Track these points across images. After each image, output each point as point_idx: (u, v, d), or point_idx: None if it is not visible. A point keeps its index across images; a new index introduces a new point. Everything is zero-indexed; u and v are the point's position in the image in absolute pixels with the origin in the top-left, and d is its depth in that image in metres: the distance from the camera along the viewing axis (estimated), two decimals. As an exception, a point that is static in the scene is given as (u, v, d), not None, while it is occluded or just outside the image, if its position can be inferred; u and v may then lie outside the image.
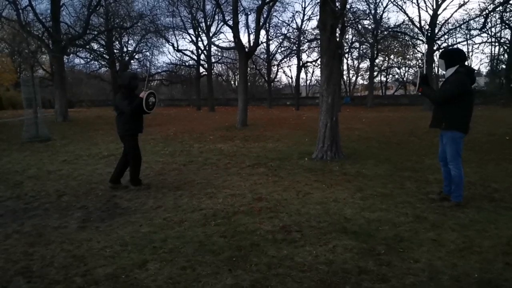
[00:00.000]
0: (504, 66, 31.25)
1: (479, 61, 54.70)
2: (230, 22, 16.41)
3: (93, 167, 6.97)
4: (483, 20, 21.44)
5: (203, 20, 31.36)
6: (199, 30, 32.92)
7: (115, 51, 32.77)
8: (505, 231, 3.43)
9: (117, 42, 33.24)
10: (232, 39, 17.29)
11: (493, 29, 28.11)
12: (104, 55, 31.14)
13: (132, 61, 34.74)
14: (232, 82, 49.85)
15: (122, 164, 5.37)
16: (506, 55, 29.49)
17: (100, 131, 13.24)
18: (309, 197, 4.65)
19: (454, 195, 4.22)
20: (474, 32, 27.92)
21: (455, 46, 28.45)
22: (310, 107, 32.88)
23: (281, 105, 37.54)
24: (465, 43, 31.61)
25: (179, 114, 23.35)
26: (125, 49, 34.48)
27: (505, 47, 29.44)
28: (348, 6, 23.68)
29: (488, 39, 29.75)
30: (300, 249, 3.18)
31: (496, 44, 30.60)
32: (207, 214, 4.13)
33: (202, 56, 34.47)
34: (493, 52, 33.76)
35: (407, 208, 4.13)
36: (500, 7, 21.82)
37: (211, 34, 32.17)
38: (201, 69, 35.33)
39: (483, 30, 23.95)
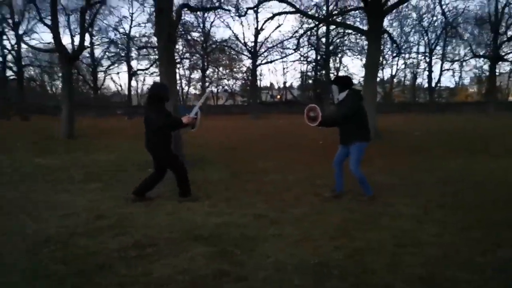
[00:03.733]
0: (311, 81, 37.04)
1: (292, 76, 63.35)
2: (48, 22, 14.59)
3: None
4: (296, 41, 24.92)
5: (9, 16, 26.88)
6: (4, 26, 28.08)
7: None
8: (331, 220, 4.06)
9: None
10: (49, 40, 15.38)
11: (302, 50, 32.99)
12: None
13: None
14: (49, 88, 44.25)
15: (152, 179, 4.91)
16: (313, 72, 35.05)
17: None
18: (157, 209, 4.51)
19: (366, 192, 4.82)
20: (288, 51, 32.15)
21: (276, 62, 32.13)
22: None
23: (111, 114, 35.20)
24: (281, 60, 36.14)
25: (-20, 125, 19.31)
26: None
27: (312, 65, 35.00)
28: (178, 17, 24.05)
29: (299, 58, 34.78)
30: (155, 263, 3.05)
31: (305, 62, 36.04)
32: (36, 241, 3.54)
33: (10, 57, 29.43)
34: (302, 69, 39.64)
35: (250, 209, 4.45)
36: (308, 32, 25.80)
37: (21, 32, 27.82)
38: (9, 72, 30.13)
39: (296, 50, 27.80)
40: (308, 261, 3.06)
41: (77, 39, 18.89)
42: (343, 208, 4.46)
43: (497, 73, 31.46)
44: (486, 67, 34.17)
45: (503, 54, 30.18)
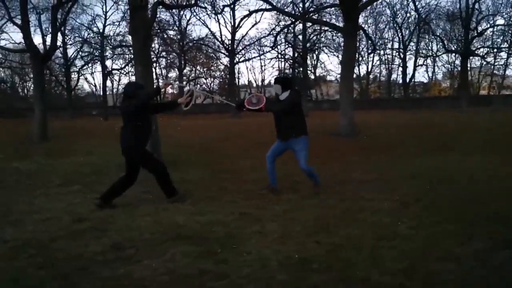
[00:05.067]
0: (288, 79, 37.10)
1: (270, 74, 63.46)
2: (18, 21, 14.14)
3: None
4: (273, 38, 24.99)
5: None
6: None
7: None
8: (310, 216, 4.12)
9: None
10: (20, 40, 14.94)
11: (279, 47, 33.16)
12: None
13: None
14: (20, 90, 43.01)
15: (121, 183, 4.66)
16: (290, 70, 35.22)
17: None
18: (137, 210, 4.46)
19: (315, 182, 5.10)
20: (265, 49, 32.24)
21: (253, 60, 32.23)
22: (120, 117, 31.28)
23: (86, 115, 34.44)
24: (259, 58, 36.22)
25: None
26: None
27: (289, 63, 35.16)
28: (154, 15, 23.72)
29: (277, 55, 34.93)
30: (137, 264, 3.03)
31: (283, 60, 36.22)
32: (15, 246, 3.46)
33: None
34: (280, 66, 39.80)
35: (233, 207, 4.47)
36: (285, 29, 25.93)
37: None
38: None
39: (273, 47, 27.87)
40: (291, 257, 3.11)
41: (49, 39, 18.37)
42: (322, 205, 4.53)
43: (468, 68, 32.48)
44: (458, 62, 35.24)
45: (473, 49, 31.17)
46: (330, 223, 3.87)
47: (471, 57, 31.74)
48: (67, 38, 31.83)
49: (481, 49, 33.29)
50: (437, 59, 39.12)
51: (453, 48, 33.03)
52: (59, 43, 25.75)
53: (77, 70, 35.88)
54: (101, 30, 31.33)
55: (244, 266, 2.96)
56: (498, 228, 3.58)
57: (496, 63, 37.36)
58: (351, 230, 3.65)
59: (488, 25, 31.62)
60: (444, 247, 3.22)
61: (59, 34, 20.46)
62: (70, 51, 34.11)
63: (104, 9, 33.70)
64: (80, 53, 33.29)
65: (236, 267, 2.94)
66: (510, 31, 32.51)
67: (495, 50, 34.31)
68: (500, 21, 35.20)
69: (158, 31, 28.55)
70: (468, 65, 32.21)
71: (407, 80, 36.17)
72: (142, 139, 4.64)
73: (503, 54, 35.98)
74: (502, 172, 6.14)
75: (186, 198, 4.78)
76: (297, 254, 3.15)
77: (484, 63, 36.12)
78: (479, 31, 29.75)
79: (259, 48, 33.38)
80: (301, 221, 3.95)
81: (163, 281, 2.76)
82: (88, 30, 31.81)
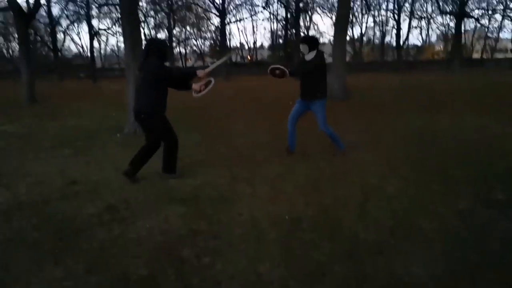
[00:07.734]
0: (281, 41, 36.45)
1: (262, 35, 62.24)
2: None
3: None
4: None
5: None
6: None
7: None
8: (301, 177, 4.21)
9: None
10: (3, -2, 14.30)
11: (271, 7, 32.28)
12: None
13: None
14: (5, 51, 41.72)
15: (146, 151, 4.22)
16: (283, 31, 34.50)
17: None
18: (130, 173, 4.51)
19: (338, 147, 5.13)
20: (257, 9, 31.31)
21: (245, 20, 31.34)
22: (109, 79, 30.72)
23: (74, 77, 33.70)
24: (251, 19, 35.25)
25: None
26: None
27: (282, 24, 34.38)
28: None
29: (269, 16, 34.05)
30: (132, 225, 3.11)
31: (274, 21, 35.36)
32: (9, 208, 3.51)
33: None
34: (272, 28, 38.96)
35: (224, 170, 4.53)
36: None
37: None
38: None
39: (265, 7, 27.08)
40: (282, 217, 3.20)
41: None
42: (313, 167, 4.61)
43: (462, 31, 32.09)
44: (452, 24, 34.77)
45: (468, 11, 30.66)
46: (321, 184, 3.96)
47: (465, 19, 31.27)
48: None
49: (476, 11, 32.80)
50: (431, 21, 38.56)
51: (448, 10, 32.45)
52: (42, 1, 24.71)
53: (63, 30, 34.79)
54: (86, -13, 29.99)
55: (236, 226, 3.05)
56: (483, 188, 3.71)
57: (490, 26, 36.99)
58: (340, 191, 3.75)
59: (484, -15, 30.99)
60: (429, 206, 3.34)
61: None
62: (55, 10, 32.86)
63: (89, -35, 32.06)
64: (65, 11, 32.11)
65: (228, 227, 3.03)
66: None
67: (490, 11, 33.84)
68: (497, -19, 34.40)
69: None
70: (462, 28, 31.79)
71: (401, 43, 35.77)
72: (162, 105, 4.15)
73: (498, 16, 35.57)
74: (490, 132, 6.27)
75: (182, 176, 4.35)
76: (287, 214, 3.24)
77: (479, 25, 35.71)
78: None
79: (250, 8, 32.53)
80: (293, 183, 4.03)
81: (157, 241, 2.84)
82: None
